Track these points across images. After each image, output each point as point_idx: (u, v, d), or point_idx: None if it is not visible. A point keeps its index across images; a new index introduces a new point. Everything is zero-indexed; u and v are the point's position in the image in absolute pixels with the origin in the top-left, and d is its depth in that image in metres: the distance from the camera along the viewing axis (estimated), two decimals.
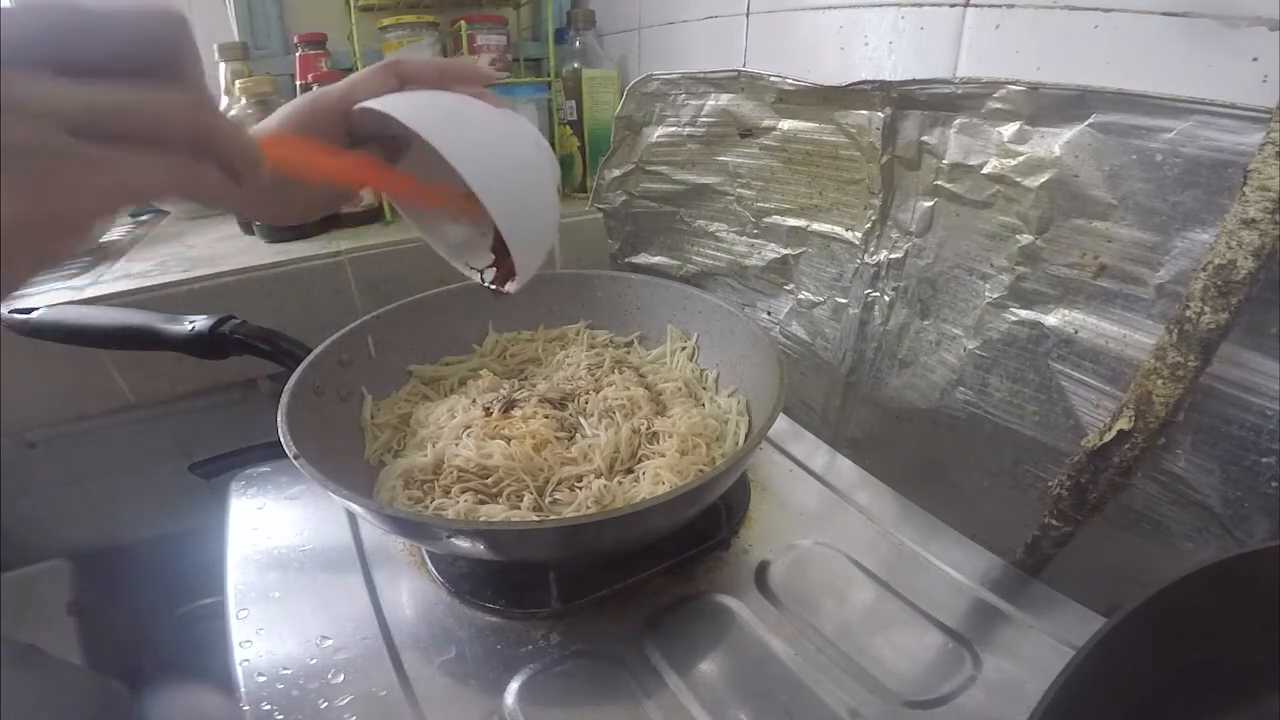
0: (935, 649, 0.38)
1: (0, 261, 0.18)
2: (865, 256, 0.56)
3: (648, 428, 0.48)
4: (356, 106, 0.32)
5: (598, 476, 0.44)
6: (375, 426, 0.50)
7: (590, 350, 0.58)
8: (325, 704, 0.35)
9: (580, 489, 0.43)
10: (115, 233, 0.91)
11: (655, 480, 0.44)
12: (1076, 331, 0.42)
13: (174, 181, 0.21)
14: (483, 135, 0.31)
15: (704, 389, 0.55)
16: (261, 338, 0.52)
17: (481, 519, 0.41)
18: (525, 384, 0.54)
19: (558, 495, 0.43)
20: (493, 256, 0.40)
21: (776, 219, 0.63)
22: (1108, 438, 0.38)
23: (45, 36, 0.19)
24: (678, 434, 0.47)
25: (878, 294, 0.56)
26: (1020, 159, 0.42)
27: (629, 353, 0.60)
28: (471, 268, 0.40)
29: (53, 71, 0.19)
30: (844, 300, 0.59)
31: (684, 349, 0.58)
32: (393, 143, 0.36)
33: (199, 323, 0.52)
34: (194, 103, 0.21)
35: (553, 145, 0.92)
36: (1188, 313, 0.34)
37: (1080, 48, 0.39)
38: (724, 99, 0.63)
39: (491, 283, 0.39)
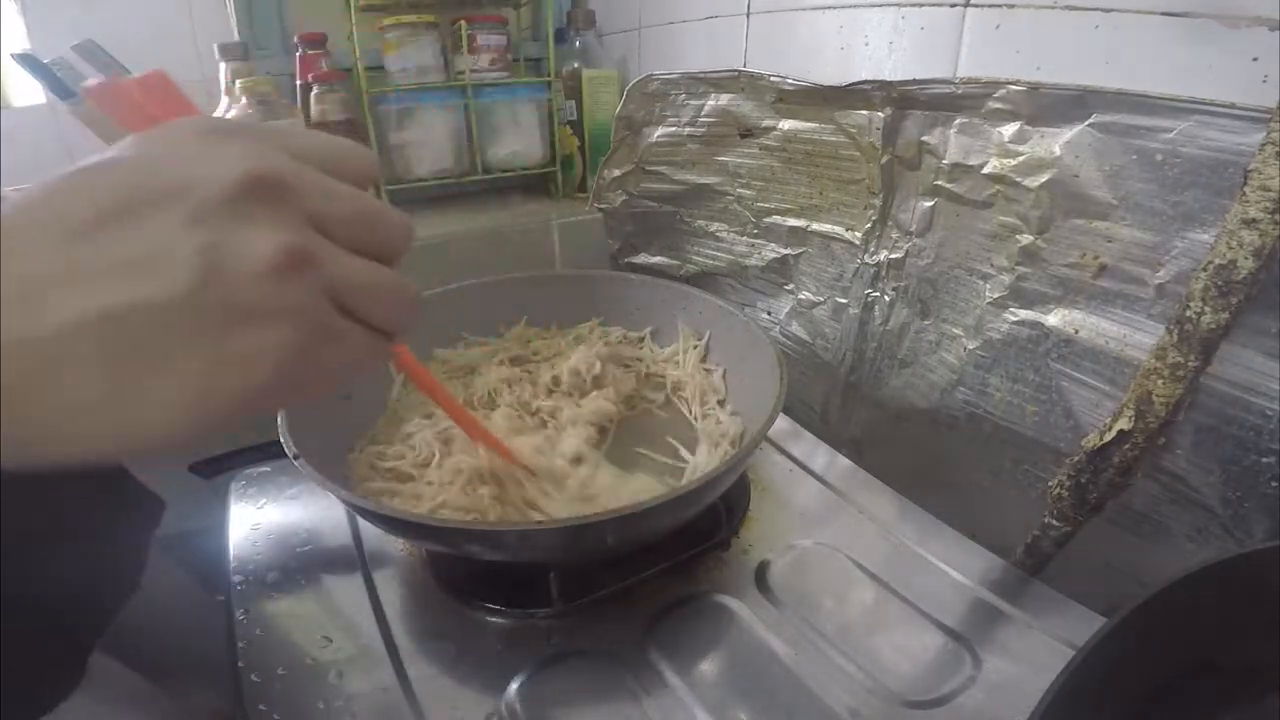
0: (935, 649, 0.38)
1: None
2: (865, 256, 0.56)
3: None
4: None
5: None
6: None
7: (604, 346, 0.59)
8: (325, 704, 0.35)
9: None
10: None
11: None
12: (1076, 331, 0.42)
13: (377, 358, 0.22)
14: None
15: (713, 391, 0.55)
16: None
17: (482, 519, 0.41)
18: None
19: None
20: None
21: (776, 219, 0.63)
22: (1108, 438, 0.38)
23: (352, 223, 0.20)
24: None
25: (878, 294, 0.56)
26: (1020, 159, 0.42)
27: (641, 348, 0.60)
28: None
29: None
30: (844, 300, 0.59)
31: (695, 348, 0.58)
32: None
33: None
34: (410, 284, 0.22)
35: (553, 145, 0.92)
36: (1188, 313, 0.34)
37: (1080, 48, 0.39)
38: (724, 99, 0.63)
39: None
